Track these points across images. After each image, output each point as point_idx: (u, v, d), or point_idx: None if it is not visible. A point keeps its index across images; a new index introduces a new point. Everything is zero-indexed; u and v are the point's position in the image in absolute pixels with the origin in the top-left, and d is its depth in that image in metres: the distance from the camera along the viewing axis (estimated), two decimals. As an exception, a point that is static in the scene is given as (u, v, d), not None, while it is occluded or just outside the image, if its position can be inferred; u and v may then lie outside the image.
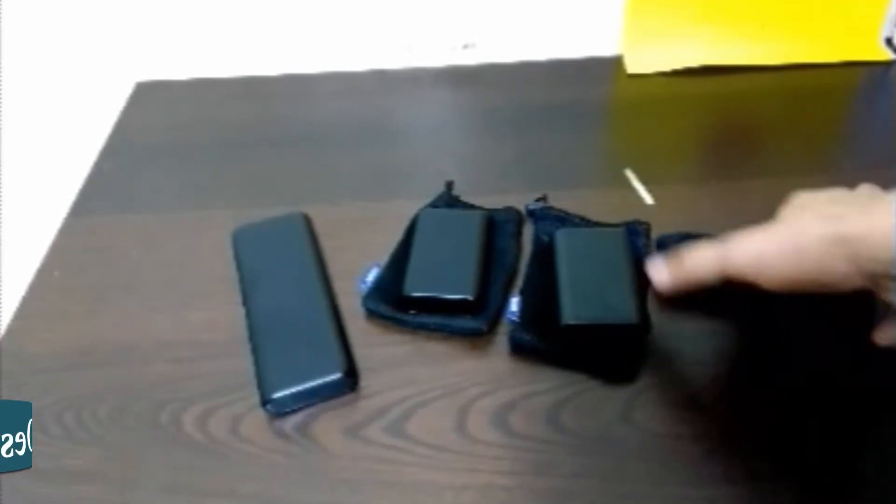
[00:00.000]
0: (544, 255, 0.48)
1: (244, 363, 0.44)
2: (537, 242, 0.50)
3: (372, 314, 0.47)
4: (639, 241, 0.49)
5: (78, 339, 0.47)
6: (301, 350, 0.43)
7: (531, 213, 0.53)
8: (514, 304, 0.45)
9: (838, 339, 0.43)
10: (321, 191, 0.57)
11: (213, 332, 0.47)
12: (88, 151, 0.63)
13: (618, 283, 0.44)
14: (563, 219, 0.52)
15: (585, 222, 0.52)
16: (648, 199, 0.54)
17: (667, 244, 0.48)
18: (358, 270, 0.49)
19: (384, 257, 0.50)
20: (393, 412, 0.42)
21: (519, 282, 0.48)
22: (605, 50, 0.70)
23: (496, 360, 0.44)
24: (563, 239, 0.48)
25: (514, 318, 0.45)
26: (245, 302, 0.47)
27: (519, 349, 0.44)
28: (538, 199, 0.53)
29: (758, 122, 0.63)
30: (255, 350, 0.44)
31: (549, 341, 0.43)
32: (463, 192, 0.55)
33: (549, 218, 0.52)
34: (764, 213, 0.52)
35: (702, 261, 0.40)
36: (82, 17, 0.68)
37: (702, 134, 0.62)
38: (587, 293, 0.43)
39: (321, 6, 0.68)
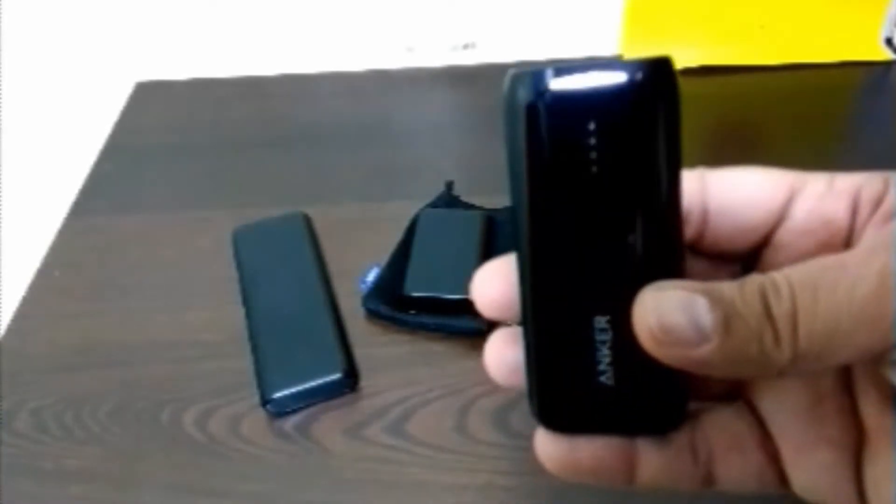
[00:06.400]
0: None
1: (244, 363, 0.44)
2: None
3: (372, 314, 0.47)
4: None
5: (78, 339, 0.47)
6: (301, 350, 0.43)
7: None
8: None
9: None
10: (321, 191, 0.57)
11: (213, 332, 0.47)
12: (88, 151, 0.63)
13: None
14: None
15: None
16: (648, 199, 0.54)
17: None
18: (358, 270, 0.49)
19: (384, 257, 0.50)
20: (393, 412, 0.42)
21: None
22: (605, 50, 0.70)
23: (496, 360, 0.44)
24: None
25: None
26: (245, 302, 0.47)
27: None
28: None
29: (758, 122, 0.63)
30: (255, 350, 0.44)
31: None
32: (463, 192, 0.55)
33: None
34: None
35: None
36: (83, 17, 0.69)
37: (702, 134, 0.62)
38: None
39: (321, 6, 0.68)
